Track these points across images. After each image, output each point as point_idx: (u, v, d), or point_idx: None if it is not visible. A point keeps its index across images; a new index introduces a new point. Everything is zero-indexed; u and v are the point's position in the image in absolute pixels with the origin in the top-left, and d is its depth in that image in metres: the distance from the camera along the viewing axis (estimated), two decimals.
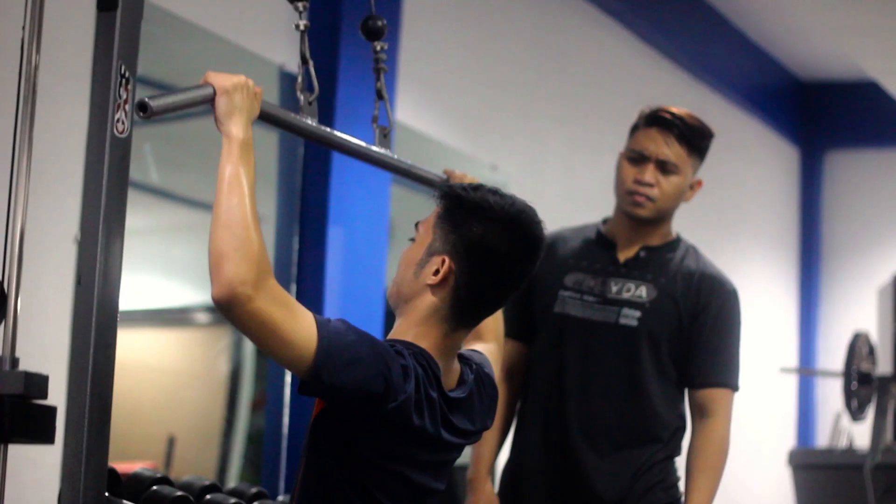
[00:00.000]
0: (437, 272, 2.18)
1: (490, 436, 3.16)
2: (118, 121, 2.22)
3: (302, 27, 2.40)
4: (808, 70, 8.24)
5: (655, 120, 3.16)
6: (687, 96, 7.18)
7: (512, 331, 3.16)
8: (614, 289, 3.15)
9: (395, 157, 2.64)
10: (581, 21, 6.22)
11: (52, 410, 2.12)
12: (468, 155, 5.29)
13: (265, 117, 2.24)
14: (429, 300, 2.19)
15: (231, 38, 4.19)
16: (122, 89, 2.22)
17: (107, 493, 2.30)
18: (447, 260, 2.18)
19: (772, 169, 8.37)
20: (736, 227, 7.81)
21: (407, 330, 2.20)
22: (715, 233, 7.41)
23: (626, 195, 3.15)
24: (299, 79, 2.38)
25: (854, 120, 8.37)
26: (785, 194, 8.50)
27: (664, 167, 3.14)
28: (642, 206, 3.14)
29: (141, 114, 2.07)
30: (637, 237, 3.19)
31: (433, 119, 5.11)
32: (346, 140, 2.53)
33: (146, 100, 2.04)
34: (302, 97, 2.38)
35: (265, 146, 4.50)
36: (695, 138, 3.16)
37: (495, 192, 2.24)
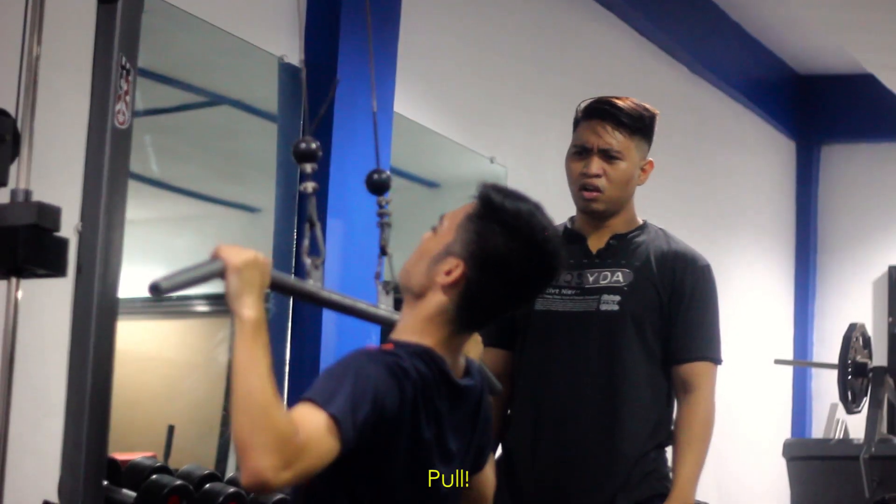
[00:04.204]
0: (449, 273, 2.18)
1: None
2: (119, 112, 2.24)
3: (310, 189, 2.33)
4: (806, 63, 8.25)
5: (592, 112, 3.19)
6: (684, 89, 7.19)
7: (493, 339, 3.19)
8: (591, 278, 3.18)
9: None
10: (579, 14, 6.23)
11: (64, 241, 2.13)
12: (466, 147, 5.30)
13: (275, 287, 2.20)
14: (438, 299, 2.19)
15: (232, 30, 4.20)
16: (122, 81, 2.24)
17: (106, 482, 2.32)
18: (462, 265, 2.17)
19: (768, 161, 8.38)
20: (732, 218, 7.83)
21: (413, 326, 2.20)
22: (711, 224, 7.42)
23: (578, 191, 3.20)
24: (306, 241, 2.33)
25: (850, 113, 8.37)
26: (781, 186, 8.51)
27: (608, 156, 3.16)
28: (595, 200, 3.17)
29: (154, 295, 2.05)
30: (604, 228, 3.22)
31: (432, 111, 5.12)
32: (353, 304, 2.44)
33: (158, 282, 2.03)
34: (308, 261, 2.31)
35: (263, 138, 4.51)
36: (633, 122, 3.18)
37: (536, 208, 2.22)
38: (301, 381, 4.26)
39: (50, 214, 2.11)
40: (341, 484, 2.12)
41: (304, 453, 1.97)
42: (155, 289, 2.03)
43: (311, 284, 2.31)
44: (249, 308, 2.05)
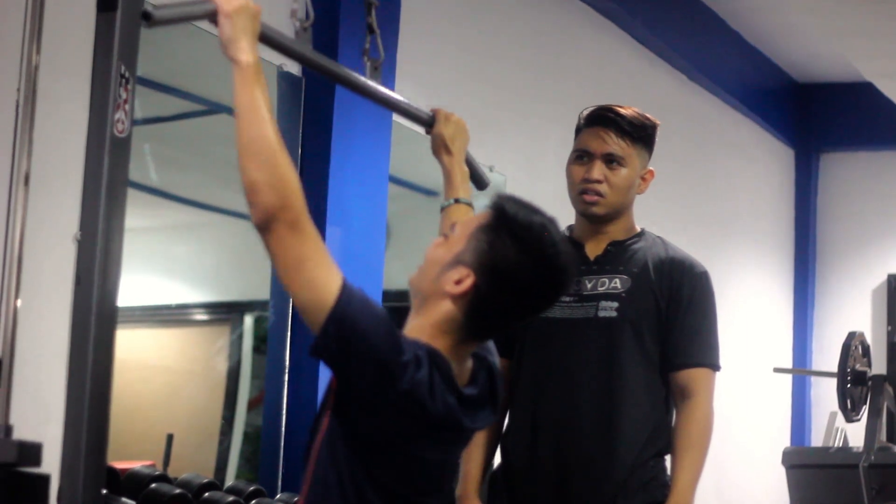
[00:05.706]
0: (458, 282, 2.17)
1: (478, 453, 3.18)
2: (118, 121, 2.23)
3: None
4: (804, 71, 8.26)
5: (595, 119, 3.22)
6: (683, 97, 7.19)
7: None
8: (589, 285, 3.19)
9: (384, 90, 2.67)
10: (577, 22, 6.24)
11: (45, 479, 2.12)
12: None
13: (264, 39, 2.27)
14: (446, 307, 2.18)
15: None
16: (121, 89, 2.23)
17: (106, 491, 2.32)
18: (472, 275, 2.17)
19: (767, 169, 8.39)
20: (731, 226, 7.83)
21: (420, 331, 2.19)
22: (710, 232, 7.43)
23: (578, 196, 3.21)
24: (294, 5, 2.41)
25: (849, 121, 8.38)
26: (780, 194, 8.52)
27: (610, 161, 3.18)
28: (595, 204, 3.19)
29: (144, 23, 2.12)
30: (602, 235, 3.24)
31: None
32: (336, 68, 2.54)
33: (150, 10, 2.10)
34: (297, 23, 2.41)
35: None
36: (636, 130, 3.20)
37: (549, 221, 2.22)
38: (301, 383, 4.26)
39: (31, 452, 2.09)
40: (359, 476, 2.12)
41: (310, 230, 2.05)
42: (146, 16, 2.10)
43: (299, 42, 2.40)
44: (245, 52, 2.12)
